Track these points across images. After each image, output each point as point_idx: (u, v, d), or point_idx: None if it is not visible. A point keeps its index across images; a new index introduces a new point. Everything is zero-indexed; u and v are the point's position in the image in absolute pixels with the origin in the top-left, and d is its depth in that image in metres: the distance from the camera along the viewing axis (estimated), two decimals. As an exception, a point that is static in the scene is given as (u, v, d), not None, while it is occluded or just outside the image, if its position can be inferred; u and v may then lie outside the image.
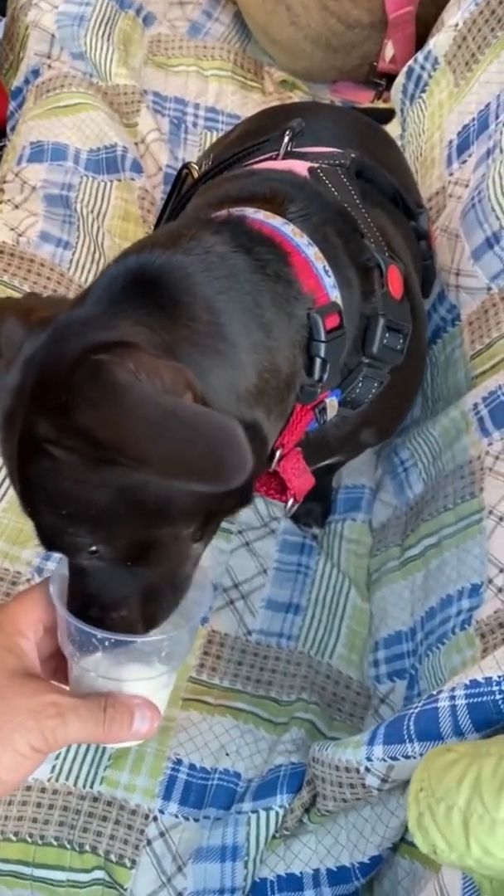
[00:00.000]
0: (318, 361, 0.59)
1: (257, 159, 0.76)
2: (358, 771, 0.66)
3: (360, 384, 0.65)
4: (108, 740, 0.55)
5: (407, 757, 0.62)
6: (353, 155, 0.74)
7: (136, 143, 1.24)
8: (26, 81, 1.33)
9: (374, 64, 1.38)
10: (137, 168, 1.20)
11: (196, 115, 1.32)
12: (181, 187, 0.86)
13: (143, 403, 0.43)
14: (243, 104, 1.33)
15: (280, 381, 0.57)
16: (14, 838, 0.75)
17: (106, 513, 0.50)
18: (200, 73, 1.36)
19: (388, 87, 1.38)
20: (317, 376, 0.59)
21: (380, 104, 1.41)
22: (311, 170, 0.69)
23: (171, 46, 1.39)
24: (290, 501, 0.65)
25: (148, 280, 0.53)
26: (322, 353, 0.59)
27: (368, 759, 0.65)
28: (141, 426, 0.43)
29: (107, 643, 0.54)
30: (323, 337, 0.58)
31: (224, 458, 0.42)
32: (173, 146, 1.26)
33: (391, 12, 1.29)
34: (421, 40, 1.30)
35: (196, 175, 0.85)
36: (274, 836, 0.75)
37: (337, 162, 0.72)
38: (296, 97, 1.40)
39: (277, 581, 0.96)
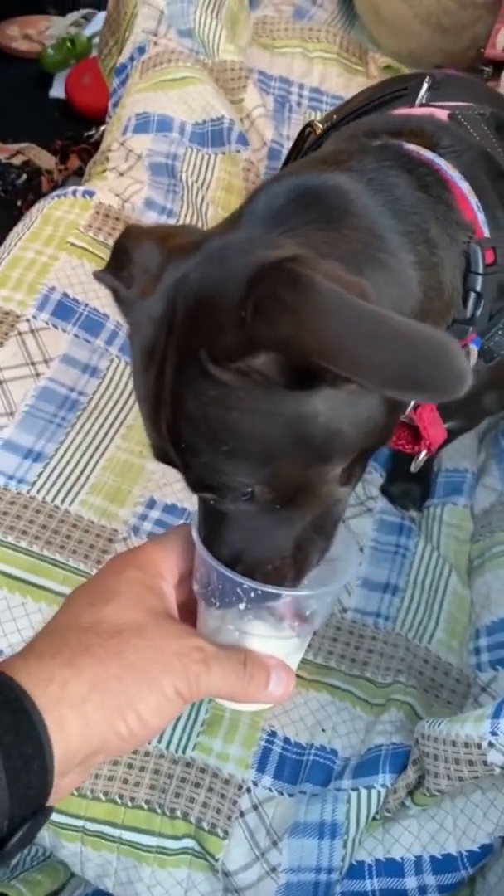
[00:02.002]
0: (472, 296, 0.56)
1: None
2: (479, 746, 0.62)
3: (499, 331, 0.62)
4: (245, 697, 0.52)
5: (539, 732, 0.58)
6: (491, 109, 0.72)
7: (241, 119, 1.23)
8: (131, 59, 1.33)
9: (482, 49, 1.35)
10: (243, 141, 1.19)
11: (300, 95, 1.31)
12: (302, 144, 0.84)
13: (350, 310, 0.39)
14: (347, 86, 1.31)
15: (442, 304, 0.55)
16: (103, 798, 0.73)
17: (271, 447, 0.47)
18: (305, 55, 1.35)
19: (495, 74, 1.35)
20: (470, 312, 0.57)
21: (486, 91, 1.38)
22: (451, 115, 0.67)
23: (276, 28, 1.39)
24: (423, 453, 0.62)
25: (312, 196, 0.50)
26: (478, 287, 0.56)
27: (493, 733, 0.61)
28: (351, 333, 0.39)
29: (252, 594, 0.51)
30: (481, 269, 0.56)
31: (446, 366, 0.38)
32: (278, 123, 1.25)
33: (507, -4, 1.26)
34: (534, 27, 1.27)
35: (318, 133, 0.83)
36: (374, 818, 0.71)
37: (477, 112, 0.70)
38: (399, 83, 1.38)
39: (374, 561, 0.93)
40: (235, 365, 0.44)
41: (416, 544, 0.95)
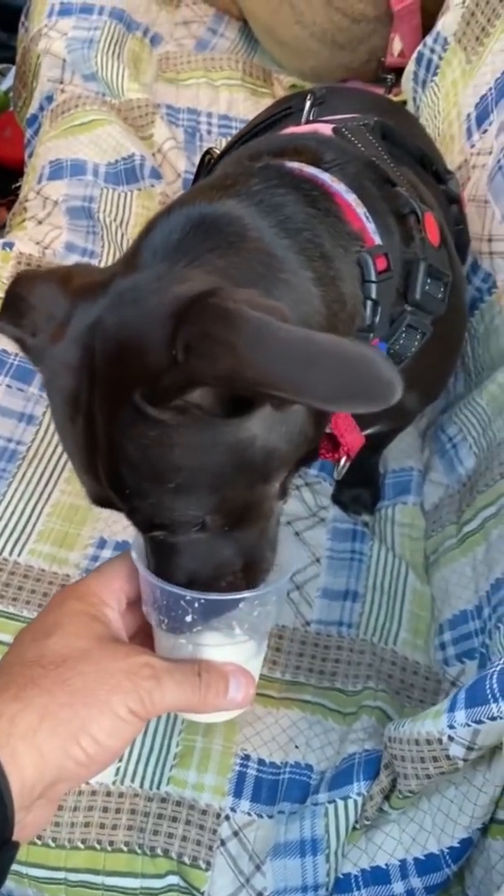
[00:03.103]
0: (369, 304, 0.57)
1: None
2: (440, 741, 0.62)
3: (403, 335, 0.63)
4: (205, 708, 0.52)
5: (493, 718, 0.58)
6: (375, 118, 0.73)
7: (153, 154, 1.25)
8: (41, 108, 1.35)
9: (382, 60, 1.38)
10: (156, 175, 1.21)
11: (210, 124, 1.33)
12: (204, 172, 0.85)
13: (282, 337, 0.40)
14: (255, 110, 1.33)
15: (346, 315, 0.56)
16: (82, 846, 0.72)
17: (216, 477, 0.48)
18: (211, 84, 1.37)
19: (397, 81, 1.39)
20: (368, 320, 0.58)
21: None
22: (335, 129, 0.68)
23: (179, 62, 1.41)
24: (343, 460, 0.63)
25: (207, 225, 0.50)
26: (374, 294, 0.57)
27: (451, 726, 0.61)
28: (288, 359, 0.40)
29: (197, 604, 0.51)
30: (374, 277, 0.57)
31: (376, 376, 0.39)
32: (190, 154, 1.27)
33: (395, 4, 1.29)
34: (427, 31, 1.30)
35: (215, 159, 0.85)
36: (354, 828, 0.71)
37: (361, 123, 0.71)
38: (306, 100, 1.41)
39: (331, 569, 0.93)
40: (173, 403, 0.44)
41: (372, 548, 0.95)
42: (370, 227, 0.60)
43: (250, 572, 0.54)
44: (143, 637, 0.57)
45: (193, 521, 0.49)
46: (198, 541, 0.51)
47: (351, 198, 0.60)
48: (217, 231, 0.51)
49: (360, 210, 0.60)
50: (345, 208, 0.59)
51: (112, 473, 0.48)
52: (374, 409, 0.39)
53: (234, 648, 0.55)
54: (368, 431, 0.75)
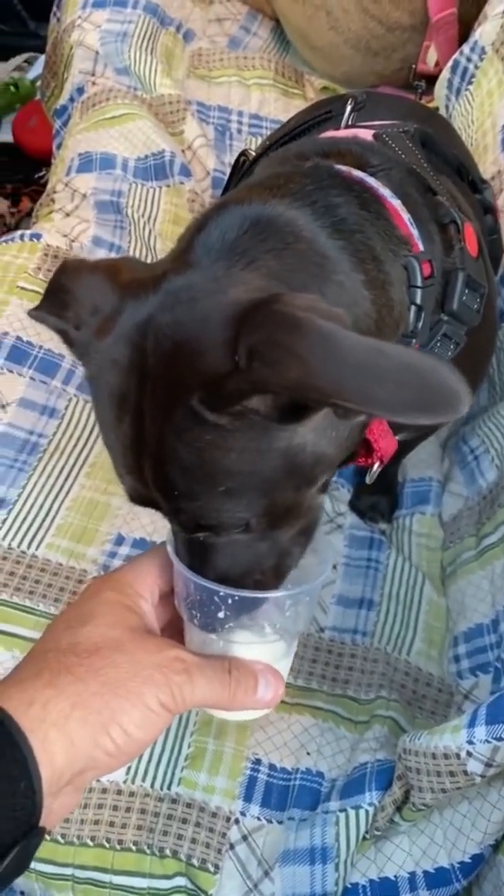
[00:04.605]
0: (413, 309, 0.57)
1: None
2: (458, 756, 0.62)
3: (438, 343, 0.63)
4: (234, 705, 0.52)
5: (514, 736, 0.58)
6: (415, 126, 0.73)
7: (183, 151, 1.25)
8: (71, 100, 1.34)
9: (414, 66, 1.38)
10: (186, 172, 1.21)
11: (240, 123, 1.33)
12: (239, 173, 0.85)
13: (352, 348, 0.39)
14: (286, 111, 1.33)
15: (392, 320, 0.56)
16: (91, 843, 0.72)
17: (268, 481, 0.47)
18: (242, 83, 1.37)
19: (428, 89, 1.38)
20: (412, 325, 0.58)
21: (422, 105, 1.40)
22: (376, 135, 0.68)
23: (211, 59, 1.41)
24: (376, 465, 0.63)
25: (263, 225, 0.50)
26: (419, 300, 0.57)
27: (470, 742, 0.61)
28: (356, 371, 0.39)
29: (230, 600, 0.51)
30: (420, 282, 0.57)
31: (446, 387, 0.38)
32: (220, 152, 1.26)
33: (434, 14, 1.28)
34: (461, 41, 1.30)
35: (251, 160, 0.84)
36: (364, 838, 0.71)
37: (401, 130, 0.71)
38: (337, 103, 1.40)
39: (347, 577, 0.93)
40: (234, 409, 0.44)
41: (388, 557, 0.95)
42: (415, 232, 0.60)
43: (283, 567, 0.55)
44: (172, 631, 0.57)
45: (240, 522, 0.49)
46: (238, 541, 0.51)
47: (396, 203, 0.60)
48: (273, 231, 0.50)
49: (406, 216, 0.60)
50: (392, 212, 0.59)
51: (160, 475, 0.48)
52: (441, 420, 0.38)
53: (264, 647, 0.55)
54: (396, 439, 0.75)
